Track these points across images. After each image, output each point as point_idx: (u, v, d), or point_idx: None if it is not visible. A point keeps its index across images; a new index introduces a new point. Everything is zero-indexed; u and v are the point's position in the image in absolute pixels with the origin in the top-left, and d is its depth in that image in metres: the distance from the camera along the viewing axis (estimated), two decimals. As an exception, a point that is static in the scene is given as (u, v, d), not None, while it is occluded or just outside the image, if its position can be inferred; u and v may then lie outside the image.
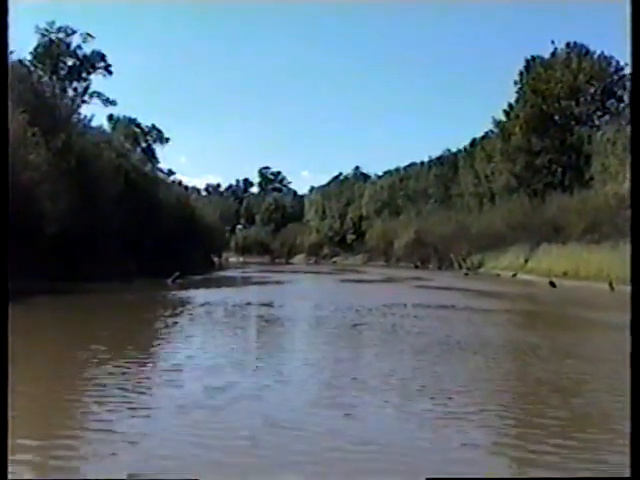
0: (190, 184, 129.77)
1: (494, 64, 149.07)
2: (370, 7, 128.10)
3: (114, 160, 36.88)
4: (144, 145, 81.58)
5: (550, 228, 49.05)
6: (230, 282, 38.71)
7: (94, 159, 32.03)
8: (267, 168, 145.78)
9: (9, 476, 3.77)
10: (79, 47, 57.43)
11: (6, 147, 4.42)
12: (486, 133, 73.62)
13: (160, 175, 73.78)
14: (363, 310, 19.82)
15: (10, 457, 3.94)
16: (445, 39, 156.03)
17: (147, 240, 37.05)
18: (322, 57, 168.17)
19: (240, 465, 5.41)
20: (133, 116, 79.30)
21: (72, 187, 25.87)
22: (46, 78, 46.77)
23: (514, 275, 46.75)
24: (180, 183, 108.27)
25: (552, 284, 34.18)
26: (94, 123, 47.38)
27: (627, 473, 3.62)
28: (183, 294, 25.39)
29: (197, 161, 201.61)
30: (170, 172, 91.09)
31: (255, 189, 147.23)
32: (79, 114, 37.58)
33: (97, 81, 60.55)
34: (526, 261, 49.44)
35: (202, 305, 20.65)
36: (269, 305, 21.42)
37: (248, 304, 21.48)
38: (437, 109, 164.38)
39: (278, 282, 39.05)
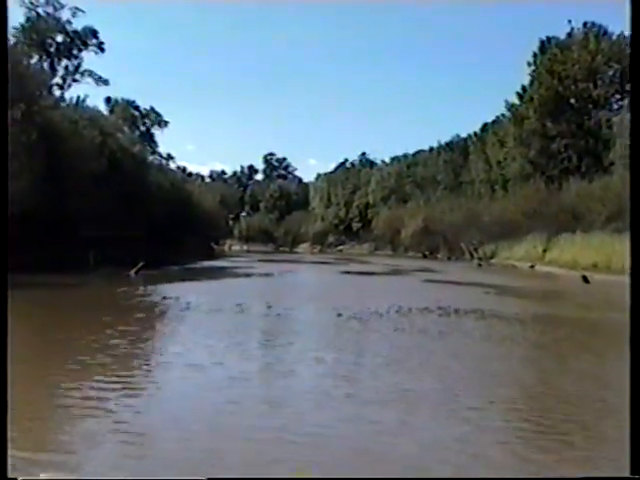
0: (197, 171, 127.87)
1: (505, 46, 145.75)
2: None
3: (96, 138, 33.67)
4: (143, 129, 79.25)
5: (569, 216, 45.80)
6: (209, 274, 33.53)
7: (69, 136, 28.89)
8: (272, 154, 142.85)
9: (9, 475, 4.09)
10: (69, 22, 54.22)
11: (6, 145, 4.86)
12: (497, 117, 72.00)
13: (157, 158, 71.39)
14: (350, 319, 14.91)
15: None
16: (454, 21, 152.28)
17: (132, 226, 34.05)
18: (329, 42, 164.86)
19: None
20: (133, 99, 76.78)
21: (36, 165, 22.78)
22: (19, 45, 43.54)
23: (532, 266, 43.47)
24: (184, 170, 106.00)
25: (585, 279, 29.93)
26: (91, 104, 45.40)
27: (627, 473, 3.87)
28: (128, 290, 21.00)
29: (205, 149, 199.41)
30: (169, 157, 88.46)
31: (260, 176, 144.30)
32: (46, 83, 34.35)
33: (98, 66, 57.89)
34: (544, 251, 46.14)
35: (128, 310, 15.82)
36: (224, 311, 15.96)
37: (188, 307, 16.46)
38: (446, 93, 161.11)
39: (267, 274, 35.27)
